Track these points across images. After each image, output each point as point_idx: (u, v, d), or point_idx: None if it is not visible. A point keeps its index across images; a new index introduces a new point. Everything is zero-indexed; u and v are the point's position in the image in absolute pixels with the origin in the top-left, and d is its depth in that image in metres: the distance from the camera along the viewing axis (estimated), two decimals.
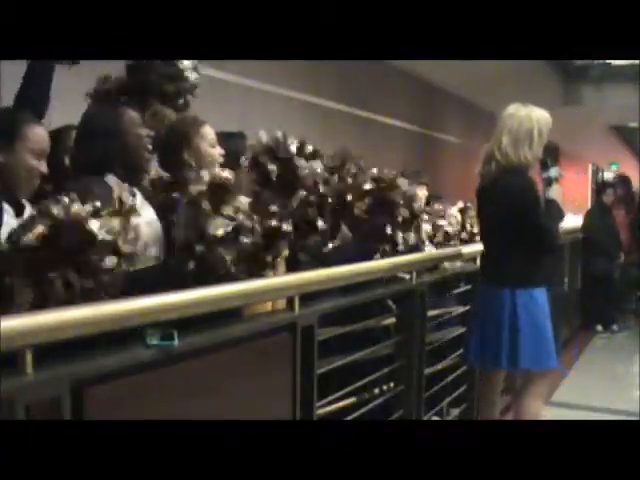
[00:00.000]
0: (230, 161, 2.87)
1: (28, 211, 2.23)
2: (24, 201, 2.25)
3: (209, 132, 2.90)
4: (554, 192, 3.56)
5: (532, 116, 3.36)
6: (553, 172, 3.58)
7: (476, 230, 4.67)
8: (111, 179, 2.44)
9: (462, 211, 5.06)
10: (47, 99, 2.87)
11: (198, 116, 2.99)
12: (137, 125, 2.52)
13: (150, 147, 2.55)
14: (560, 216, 3.50)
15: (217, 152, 2.90)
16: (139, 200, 2.49)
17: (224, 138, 3.06)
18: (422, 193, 4.98)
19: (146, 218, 2.46)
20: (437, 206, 4.80)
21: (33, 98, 2.78)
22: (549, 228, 3.38)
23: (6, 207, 2.15)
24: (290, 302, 2.43)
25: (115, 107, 2.54)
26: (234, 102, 6.87)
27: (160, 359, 1.85)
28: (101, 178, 2.43)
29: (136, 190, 2.51)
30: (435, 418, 3.72)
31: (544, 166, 3.60)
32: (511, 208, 3.32)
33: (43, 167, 2.25)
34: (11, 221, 2.09)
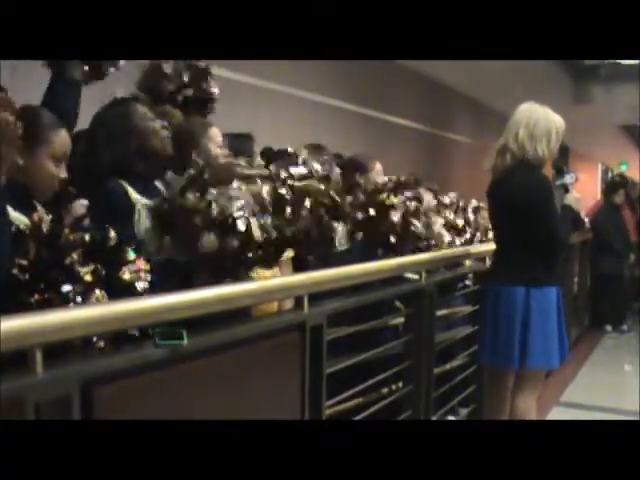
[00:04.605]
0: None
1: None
2: (38, 207, 2.23)
3: (216, 133, 2.90)
4: (571, 199, 3.54)
5: (549, 116, 3.36)
6: (568, 178, 3.57)
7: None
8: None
9: (475, 210, 5.06)
10: (75, 115, 2.86)
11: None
12: (150, 119, 2.51)
13: (168, 138, 2.55)
14: (576, 224, 3.48)
15: (223, 153, 2.90)
16: None
17: (231, 139, 3.06)
18: (429, 198, 4.99)
19: None
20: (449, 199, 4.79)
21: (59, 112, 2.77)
22: (560, 229, 3.37)
23: (20, 216, 2.12)
24: (299, 302, 2.43)
25: (126, 105, 2.54)
26: (243, 102, 6.86)
27: (169, 358, 1.85)
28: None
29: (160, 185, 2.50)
30: (449, 418, 3.72)
31: (559, 173, 3.59)
32: (524, 204, 3.31)
33: (63, 173, 2.21)
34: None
